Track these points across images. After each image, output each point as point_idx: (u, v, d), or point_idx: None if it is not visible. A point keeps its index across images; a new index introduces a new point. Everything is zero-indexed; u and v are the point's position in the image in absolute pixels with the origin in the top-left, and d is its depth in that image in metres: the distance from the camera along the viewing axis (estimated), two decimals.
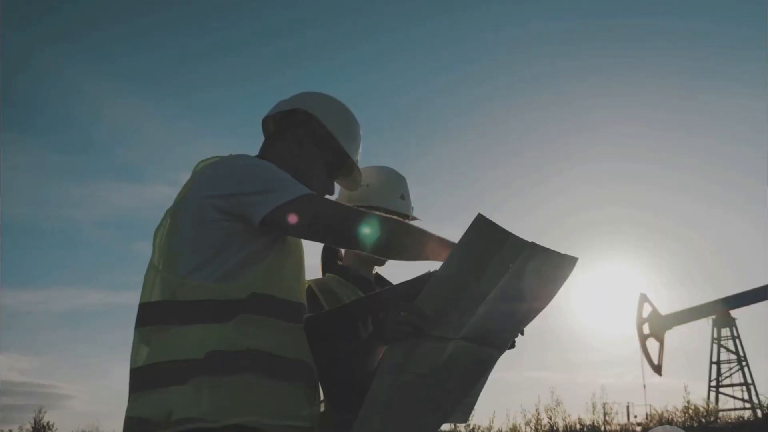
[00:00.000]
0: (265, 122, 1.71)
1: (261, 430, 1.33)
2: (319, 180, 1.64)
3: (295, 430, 1.40)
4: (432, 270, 1.44)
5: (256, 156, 1.64)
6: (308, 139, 1.63)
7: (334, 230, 1.42)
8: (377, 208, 1.96)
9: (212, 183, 1.43)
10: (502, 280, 1.40)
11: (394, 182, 2.04)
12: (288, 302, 1.45)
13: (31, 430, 21.38)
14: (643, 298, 28.80)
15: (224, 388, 1.30)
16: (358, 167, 1.72)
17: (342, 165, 1.69)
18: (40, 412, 21.64)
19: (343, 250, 2.02)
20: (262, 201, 1.38)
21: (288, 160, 1.60)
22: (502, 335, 1.58)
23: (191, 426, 1.27)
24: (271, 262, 1.43)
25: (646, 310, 28.61)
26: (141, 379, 1.37)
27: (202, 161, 1.54)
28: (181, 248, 1.41)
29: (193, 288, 1.37)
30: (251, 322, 1.36)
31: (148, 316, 1.41)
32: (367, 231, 1.39)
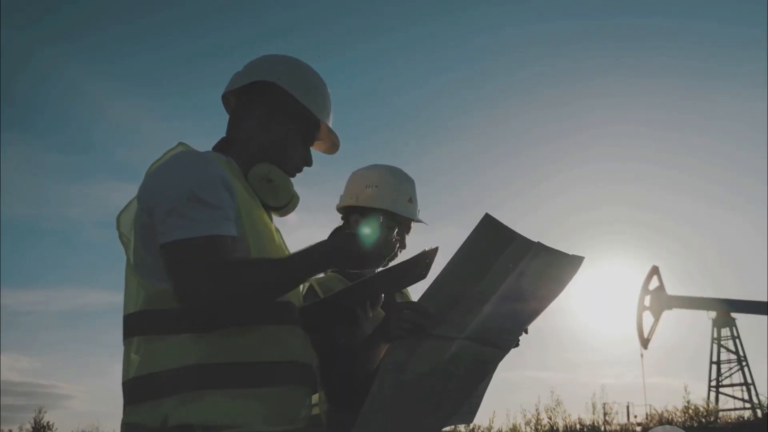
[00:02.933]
0: (225, 99, 1.60)
1: None
2: (295, 153, 1.56)
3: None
4: (427, 249, 1.40)
5: (223, 139, 1.55)
6: (276, 111, 1.52)
7: (177, 284, 1.27)
8: (384, 211, 1.95)
9: (145, 193, 1.36)
10: (506, 280, 1.39)
11: (402, 185, 2.02)
12: (281, 304, 1.39)
13: (31, 430, 21.37)
14: (654, 271, 28.74)
15: (210, 400, 1.27)
16: (333, 130, 1.63)
17: (316, 131, 1.59)
18: (40, 412, 21.66)
19: None
20: (160, 232, 1.29)
21: (259, 138, 1.51)
22: (506, 335, 1.57)
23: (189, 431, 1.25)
24: None
25: (653, 284, 28.58)
26: (131, 392, 1.33)
27: (155, 162, 1.45)
28: (149, 255, 1.34)
29: (169, 296, 1.30)
30: (233, 332, 1.31)
31: (133, 327, 1.36)
32: (203, 289, 1.26)
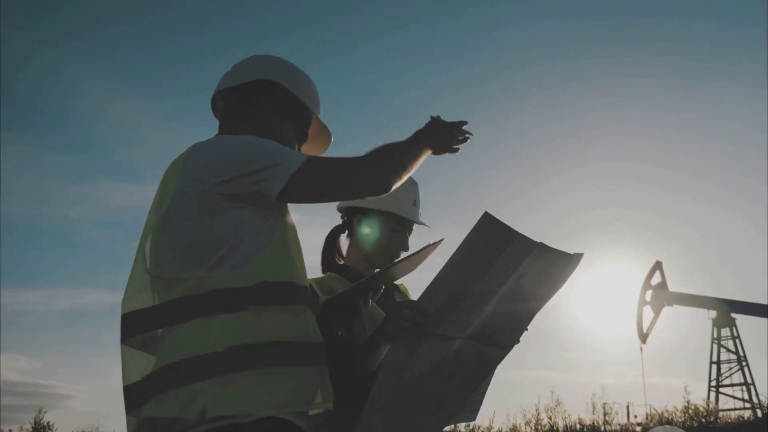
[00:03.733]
0: (213, 100, 1.62)
1: (292, 419, 1.31)
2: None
3: (322, 415, 1.39)
4: (432, 242, 1.42)
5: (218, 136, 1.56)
6: (277, 110, 1.55)
7: (345, 183, 1.42)
8: (387, 213, 1.95)
9: (216, 168, 1.35)
10: (509, 280, 1.38)
11: (406, 187, 2.01)
12: (297, 285, 1.40)
13: (31, 430, 21.40)
14: (657, 266, 29.00)
15: (248, 382, 1.27)
16: (324, 124, 1.66)
17: (308, 128, 1.63)
18: (40, 412, 21.68)
19: (344, 250, 2.01)
20: (272, 176, 1.35)
21: (263, 137, 1.49)
22: (507, 334, 1.57)
23: (224, 423, 1.24)
24: (275, 247, 1.38)
25: (656, 279, 28.78)
26: (157, 382, 1.30)
27: (200, 142, 1.45)
28: (182, 244, 1.34)
29: (202, 281, 1.31)
30: (265, 312, 1.32)
31: (147, 322, 1.34)
32: (371, 174, 1.43)
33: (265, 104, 1.54)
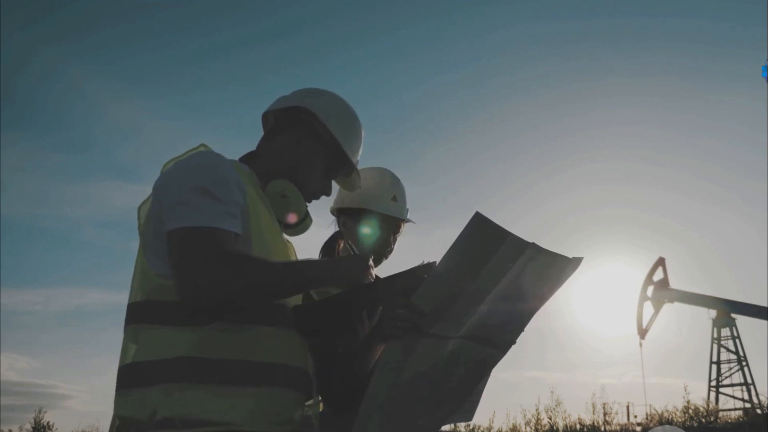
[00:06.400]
0: (265, 117, 1.69)
1: None
2: (315, 180, 1.62)
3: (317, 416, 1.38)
4: (429, 261, 1.42)
5: (251, 152, 1.62)
6: (308, 138, 1.60)
7: (180, 276, 1.28)
8: (368, 211, 1.94)
9: (159, 185, 1.40)
10: (502, 280, 1.39)
11: (385, 184, 2.01)
12: (277, 305, 1.40)
13: (31, 430, 21.50)
14: (660, 262, 28.78)
15: (194, 394, 1.28)
16: (357, 169, 1.70)
17: (341, 166, 1.66)
18: (40, 412, 21.76)
19: (340, 249, 2.01)
20: (167, 218, 1.33)
21: (285, 157, 1.58)
22: (503, 335, 1.57)
23: (171, 425, 1.25)
24: None
25: (658, 275, 28.59)
26: (122, 378, 1.36)
27: (173, 158, 1.49)
28: (155, 247, 1.37)
29: (168, 288, 1.32)
30: (226, 328, 1.32)
31: (134, 315, 1.39)
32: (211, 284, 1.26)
33: (297, 130, 1.60)
